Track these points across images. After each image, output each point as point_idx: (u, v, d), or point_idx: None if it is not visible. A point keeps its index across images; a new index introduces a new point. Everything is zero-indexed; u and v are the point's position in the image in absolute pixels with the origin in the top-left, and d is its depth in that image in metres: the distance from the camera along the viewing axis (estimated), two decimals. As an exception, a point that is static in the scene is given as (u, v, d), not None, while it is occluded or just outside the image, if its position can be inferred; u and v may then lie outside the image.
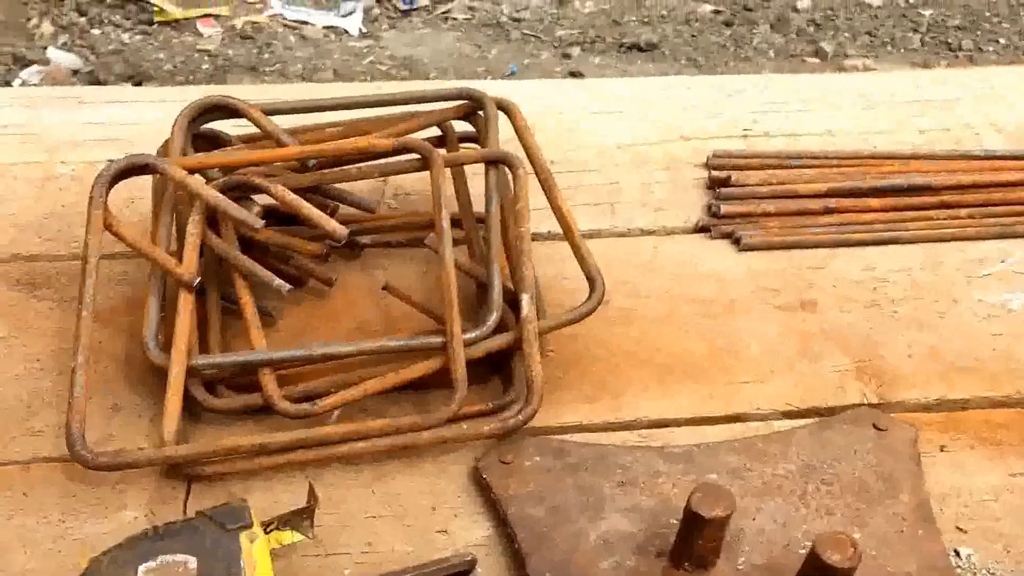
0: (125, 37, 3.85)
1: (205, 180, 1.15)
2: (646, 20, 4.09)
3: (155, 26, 3.89)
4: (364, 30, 4.03)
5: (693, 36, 4.02)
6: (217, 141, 1.25)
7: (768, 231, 1.36)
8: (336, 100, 1.29)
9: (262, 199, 1.21)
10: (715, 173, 1.44)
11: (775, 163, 1.44)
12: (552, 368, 1.22)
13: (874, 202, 1.40)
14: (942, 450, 1.15)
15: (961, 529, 1.07)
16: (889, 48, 4.01)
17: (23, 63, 3.68)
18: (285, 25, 4.01)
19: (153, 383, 1.15)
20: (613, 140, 1.54)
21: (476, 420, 1.12)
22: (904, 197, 1.40)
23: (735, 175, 1.41)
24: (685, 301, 1.31)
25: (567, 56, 3.96)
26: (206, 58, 3.85)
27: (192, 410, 1.14)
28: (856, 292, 1.32)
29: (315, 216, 1.10)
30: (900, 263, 1.35)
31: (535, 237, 1.35)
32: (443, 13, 4.14)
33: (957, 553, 1.05)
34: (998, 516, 1.08)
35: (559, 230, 1.26)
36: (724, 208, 1.38)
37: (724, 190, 1.41)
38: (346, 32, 4.01)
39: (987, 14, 4.18)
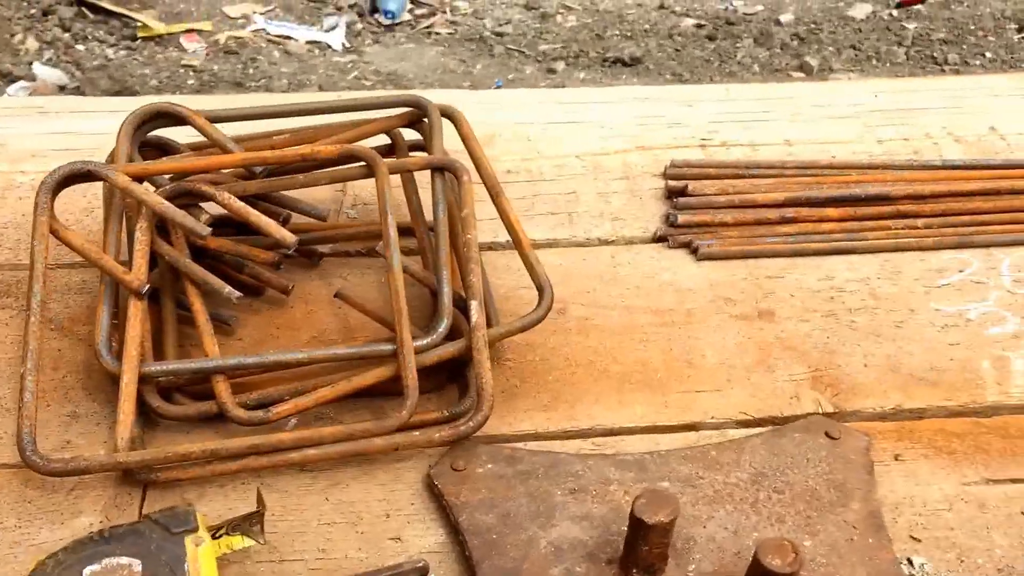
0: (110, 52, 3.87)
1: (155, 188, 1.16)
2: (629, 35, 4.11)
3: (139, 42, 3.91)
4: (348, 45, 4.04)
5: (677, 50, 4.04)
6: (167, 149, 1.25)
7: (726, 241, 1.37)
8: (280, 107, 1.31)
9: (219, 208, 1.21)
10: (672, 183, 1.45)
11: (732, 173, 1.45)
12: (509, 377, 1.22)
13: (832, 212, 1.40)
14: (896, 459, 1.15)
15: (915, 538, 1.08)
16: (874, 62, 4.03)
17: (9, 79, 3.70)
18: (269, 40, 4.03)
19: (111, 391, 1.16)
20: (571, 150, 1.55)
21: (429, 427, 1.12)
22: (862, 207, 1.41)
23: (692, 185, 1.42)
24: (643, 311, 1.31)
25: (552, 71, 3.98)
26: (191, 73, 3.87)
27: (150, 418, 1.14)
28: (814, 302, 1.32)
29: (263, 223, 1.11)
30: (858, 273, 1.36)
31: (494, 247, 1.36)
32: (426, 28, 4.15)
33: (910, 562, 1.05)
34: (952, 526, 1.08)
35: (511, 243, 1.27)
36: (681, 218, 1.39)
37: (681, 200, 1.41)
38: (330, 47, 4.03)
39: (972, 27, 4.20)
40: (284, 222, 1.26)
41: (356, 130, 1.27)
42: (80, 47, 3.87)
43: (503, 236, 1.34)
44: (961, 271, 1.36)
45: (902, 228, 1.40)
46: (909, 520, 1.09)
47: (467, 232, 1.17)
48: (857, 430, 1.16)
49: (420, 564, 1.01)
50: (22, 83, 3.66)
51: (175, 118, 1.24)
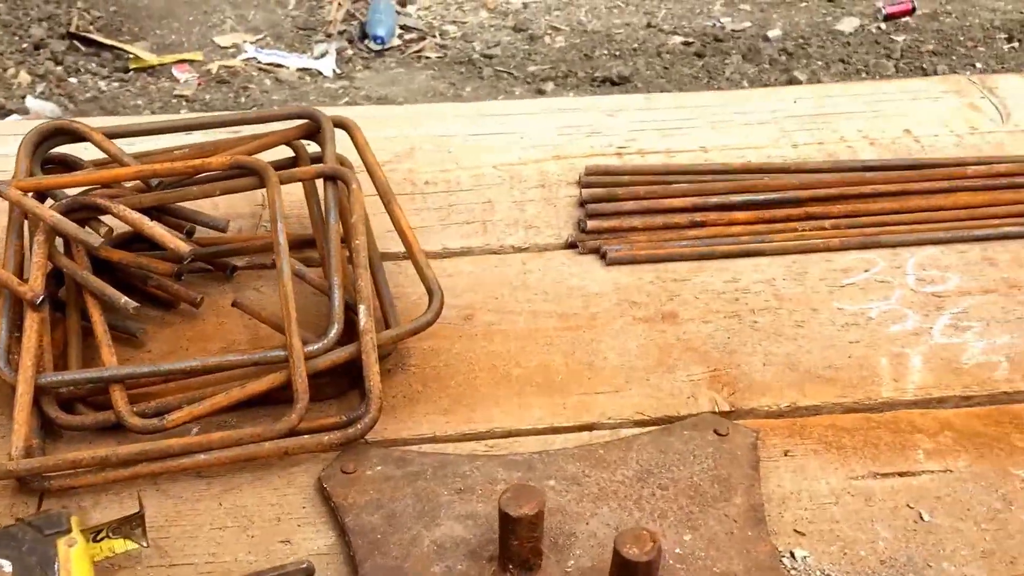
0: (102, 84, 3.93)
1: (55, 201, 1.19)
2: (617, 54, 4.14)
3: (131, 73, 3.97)
4: (338, 71, 4.09)
5: (665, 68, 4.06)
6: (71, 166, 1.29)
7: (635, 246, 1.39)
8: (176, 122, 1.34)
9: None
10: (585, 190, 1.47)
11: (645, 179, 1.47)
12: (412, 381, 1.24)
13: (740, 215, 1.42)
14: (786, 455, 1.16)
15: (799, 532, 1.08)
16: (864, 75, 4.03)
17: (2, 112, 3.76)
18: (260, 69, 4.08)
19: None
20: (490, 160, 1.57)
21: (322, 432, 1.14)
22: (770, 210, 1.42)
23: (603, 191, 1.44)
24: (549, 316, 1.33)
25: (541, 92, 4.01)
26: (184, 103, 3.93)
27: (53, 429, 1.17)
28: (718, 303, 1.34)
29: (156, 234, 1.14)
30: (764, 274, 1.37)
31: (405, 256, 1.38)
32: (415, 52, 4.20)
33: (793, 555, 1.06)
34: (837, 519, 1.09)
35: (426, 252, 1.30)
36: (591, 224, 1.41)
37: (592, 206, 1.43)
38: (321, 74, 4.08)
39: (961, 38, 4.19)
40: (188, 235, 1.29)
41: (254, 143, 1.31)
42: (73, 80, 3.94)
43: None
44: (867, 271, 1.37)
45: (810, 229, 1.41)
46: (795, 514, 1.10)
47: (355, 238, 1.20)
48: (746, 426, 1.17)
49: (304, 565, 1.02)
50: (15, 116, 3.73)
51: (74, 134, 1.27)
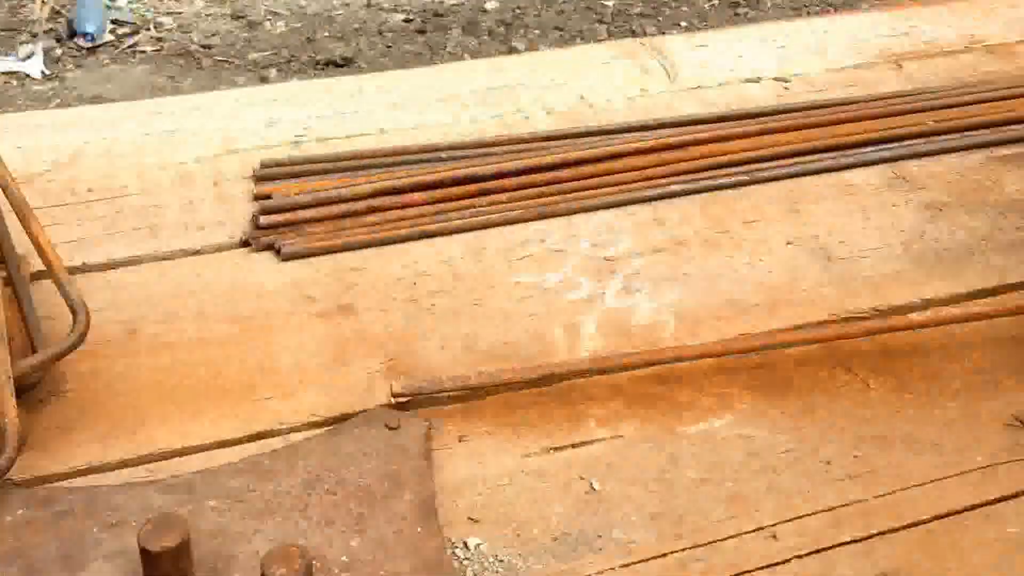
0: None
1: None
2: (339, 36, 4.05)
3: None
4: (47, 72, 3.86)
5: (388, 47, 4.00)
6: None
7: (311, 238, 1.34)
8: None
9: None
10: (259, 185, 1.41)
11: (322, 168, 1.42)
12: (67, 409, 1.16)
13: (417, 197, 1.39)
14: (460, 440, 1.13)
15: (473, 519, 1.06)
16: (579, 40, 4.07)
17: None
18: (-41, 75, 3.81)
19: None
20: (157, 160, 1.49)
21: (-48, 481, 1.04)
22: (445, 188, 1.39)
23: (279, 184, 1.39)
24: (221, 320, 1.26)
25: (264, 79, 3.88)
26: None
27: None
28: (396, 290, 1.30)
29: None
30: (442, 255, 1.35)
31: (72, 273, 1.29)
32: (130, 47, 4.00)
33: (466, 545, 1.03)
34: (511, 500, 1.07)
35: (89, 265, 1.23)
36: (264, 219, 1.35)
37: (266, 202, 1.38)
38: (28, 76, 3.84)
39: (666, -1, 4.30)
40: None
41: None
42: None
43: (78, 260, 1.28)
44: (542, 241, 1.36)
45: (486, 205, 1.39)
46: (470, 501, 1.07)
47: (-18, 262, 1.10)
48: (418, 417, 1.14)
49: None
50: None
51: None
